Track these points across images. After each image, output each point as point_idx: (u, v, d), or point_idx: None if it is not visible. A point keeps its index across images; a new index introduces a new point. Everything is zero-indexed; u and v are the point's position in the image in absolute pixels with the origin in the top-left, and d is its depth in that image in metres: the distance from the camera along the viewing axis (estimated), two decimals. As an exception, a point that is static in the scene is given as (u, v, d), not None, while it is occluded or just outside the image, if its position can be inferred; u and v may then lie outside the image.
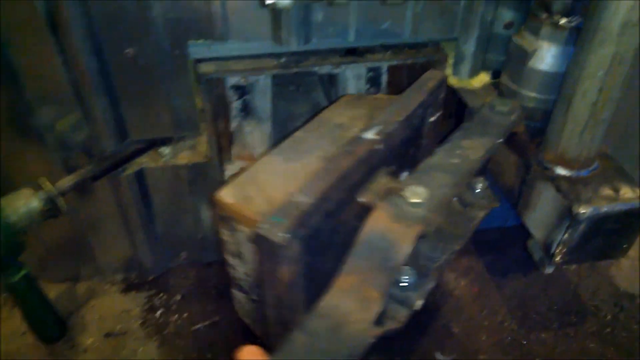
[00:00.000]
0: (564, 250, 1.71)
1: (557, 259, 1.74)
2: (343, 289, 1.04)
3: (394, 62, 1.83)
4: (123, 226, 2.20)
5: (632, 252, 2.52)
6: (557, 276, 2.50)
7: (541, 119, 1.84)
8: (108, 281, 2.37)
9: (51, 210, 1.77)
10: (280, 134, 2.44)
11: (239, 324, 2.21)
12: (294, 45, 1.73)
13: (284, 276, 1.12)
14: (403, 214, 1.17)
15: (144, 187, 2.09)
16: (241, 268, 1.44)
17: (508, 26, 1.85)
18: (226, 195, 1.33)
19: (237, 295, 1.60)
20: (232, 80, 2.03)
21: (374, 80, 2.19)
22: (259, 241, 1.08)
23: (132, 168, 2.01)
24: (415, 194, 1.18)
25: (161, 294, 2.33)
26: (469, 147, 1.44)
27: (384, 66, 2.13)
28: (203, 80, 1.77)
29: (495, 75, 1.96)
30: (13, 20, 1.51)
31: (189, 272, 2.43)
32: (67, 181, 1.81)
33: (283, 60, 1.82)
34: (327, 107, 1.69)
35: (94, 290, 2.33)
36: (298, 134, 1.53)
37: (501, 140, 1.55)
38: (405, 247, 1.10)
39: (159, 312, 2.26)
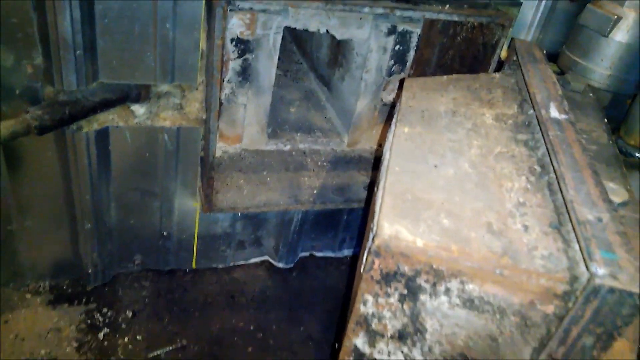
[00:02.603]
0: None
1: None
2: None
3: (454, 18, 1.50)
4: (63, 211, 1.61)
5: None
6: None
7: (611, 104, 1.59)
8: (31, 289, 1.72)
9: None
10: (273, 118, 2.02)
11: (211, 351, 1.68)
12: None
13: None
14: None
15: (104, 156, 1.54)
16: (395, 354, 0.91)
17: (575, -2, 1.61)
18: (404, 235, 0.80)
19: None
20: (236, 29, 1.59)
21: (401, 56, 1.84)
22: (582, 302, 0.68)
23: (92, 125, 1.46)
24: (617, 194, 0.93)
25: (105, 309, 1.73)
26: (590, 131, 1.19)
27: (414, 38, 1.80)
28: (218, 10, 1.31)
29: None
30: None
31: (143, 282, 1.85)
32: (4, 128, 1.24)
33: (325, -6, 1.42)
34: (401, 95, 1.29)
35: (11, 301, 1.68)
36: (402, 132, 1.08)
37: (605, 116, 1.29)
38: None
39: (102, 333, 1.66)
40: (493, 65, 1.67)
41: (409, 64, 1.88)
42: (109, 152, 1.53)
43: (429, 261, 0.78)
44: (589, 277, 0.65)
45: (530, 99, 1.09)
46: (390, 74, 1.90)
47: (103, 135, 1.48)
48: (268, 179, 1.83)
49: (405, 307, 0.84)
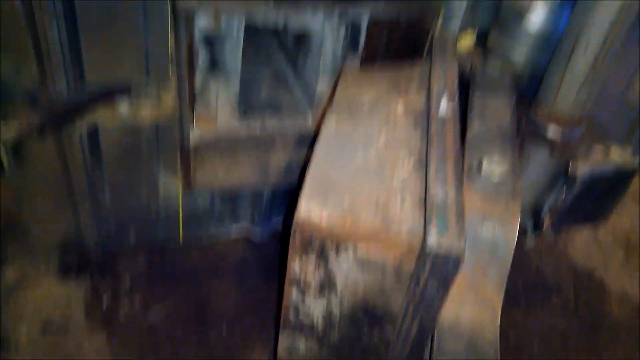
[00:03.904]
0: (555, 214, 1.69)
1: (546, 224, 1.72)
2: (459, 288, 1.02)
3: (379, 14, 1.72)
4: (65, 195, 1.89)
5: (585, 231, 2.60)
6: (519, 255, 2.50)
7: (529, 81, 1.82)
8: (42, 264, 2.02)
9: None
10: (245, 98, 2.25)
11: (201, 315, 1.98)
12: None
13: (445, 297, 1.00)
14: (493, 192, 1.15)
15: (96, 149, 1.80)
16: (319, 305, 1.19)
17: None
18: (314, 212, 1.06)
19: (297, 340, 1.30)
20: (202, 24, 1.81)
21: (353, 42, 2.06)
22: (422, 259, 0.94)
23: (85, 124, 1.72)
24: (497, 168, 1.20)
25: (107, 280, 2.03)
26: (496, 111, 1.42)
27: (364, 25, 2.01)
28: (182, 15, 1.55)
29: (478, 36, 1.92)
30: None
31: (138, 255, 2.14)
32: (10, 131, 1.50)
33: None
34: (335, 88, 1.54)
35: (26, 275, 1.98)
36: (331, 122, 1.33)
37: (514, 97, 1.53)
38: (513, 229, 1.10)
39: (105, 300, 1.96)
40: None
41: (360, 49, 2.09)
42: (99, 146, 1.79)
43: (331, 232, 1.05)
44: (424, 242, 0.92)
45: (430, 91, 1.33)
46: (344, 59, 2.13)
47: (94, 133, 1.74)
48: (240, 158, 2.09)
49: (321, 267, 1.12)
